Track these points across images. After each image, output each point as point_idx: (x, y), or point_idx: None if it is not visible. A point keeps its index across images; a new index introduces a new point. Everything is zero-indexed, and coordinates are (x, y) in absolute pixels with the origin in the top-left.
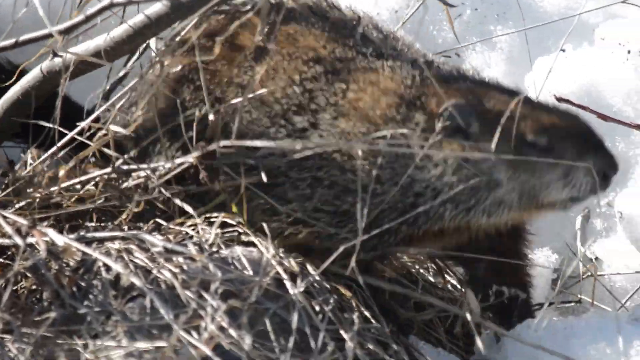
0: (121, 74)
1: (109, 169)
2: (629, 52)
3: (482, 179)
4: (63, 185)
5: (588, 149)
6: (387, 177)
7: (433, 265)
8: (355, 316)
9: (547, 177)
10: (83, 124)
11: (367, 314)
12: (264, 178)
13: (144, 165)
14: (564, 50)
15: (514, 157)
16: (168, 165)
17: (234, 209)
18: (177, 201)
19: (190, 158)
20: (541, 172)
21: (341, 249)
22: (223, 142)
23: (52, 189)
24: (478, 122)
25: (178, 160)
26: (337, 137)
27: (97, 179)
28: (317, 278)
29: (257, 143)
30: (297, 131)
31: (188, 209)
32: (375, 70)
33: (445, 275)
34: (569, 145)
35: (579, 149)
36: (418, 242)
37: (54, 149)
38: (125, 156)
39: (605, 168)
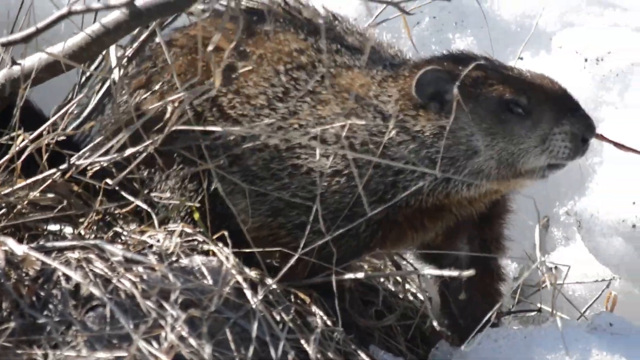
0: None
1: (64, 165)
2: (586, 60)
3: (460, 148)
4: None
5: (565, 112)
6: (364, 160)
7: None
8: (316, 322)
9: (525, 144)
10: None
11: (328, 321)
12: (225, 161)
13: (100, 158)
14: (521, 59)
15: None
16: (127, 152)
17: (197, 216)
18: (141, 204)
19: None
20: (519, 139)
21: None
22: (175, 127)
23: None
24: (455, 87)
25: (130, 150)
26: (316, 124)
27: (54, 178)
28: (275, 287)
29: (209, 128)
30: (280, 119)
31: (151, 213)
32: (351, 63)
33: (406, 285)
34: (547, 108)
35: (557, 112)
36: (398, 231)
37: (7, 156)
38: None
39: (583, 131)
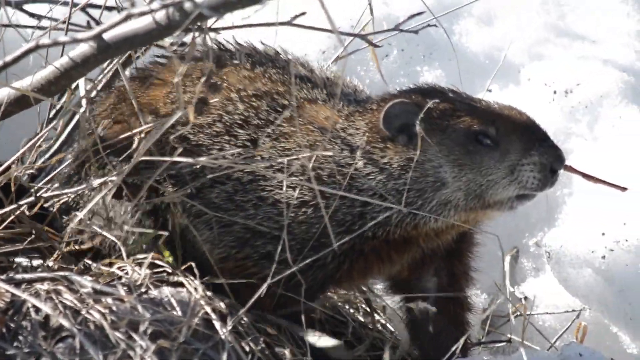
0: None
1: (30, 198)
2: (554, 92)
3: (427, 179)
4: None
5: (534, 142)
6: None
7: (363, 306)
8: (285, 353)
9: (493, 175)
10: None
11: (297, 352)
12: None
13: (67, 190)
14: (490, 91)
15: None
16: (95, 182)
17: (166, 254)
18: (109, 235)
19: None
20: (487, 170)
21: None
22: (142, 157)
23: None
24: (423, 120)
25: (98, 181)
26: (280, 157)
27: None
28: (246, 319)
29: (177, 158)
30: (241, 146)
31: (119, 245)
32: (313, 97)
33: (375, 315)
34: (515, 138)
35: (525, 142)
36: (364, 263)
37: None
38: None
39: (552, 161)
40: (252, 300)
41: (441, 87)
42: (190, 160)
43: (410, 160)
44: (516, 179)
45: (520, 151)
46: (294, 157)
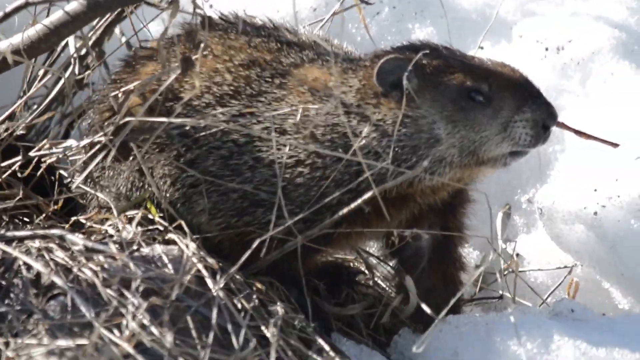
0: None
1: (19, 157)
2: (546, 49)
3: (421, 136)
4: None
5: (526, 99)
6: (327, 150)
7: (361, 264)
8: (277, 309)
9: (486, 132)
10: None
11: (289, 308)
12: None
13: (56, 150)
14: (482, 48)
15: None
16: (82, 143)
17: (153, 211)
18: (99, 194)
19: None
20: (480, 127)
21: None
22: (128, 118)
23: None
24: (416, 76)
25: (84, 141)
26: (273, 120)
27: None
28: (237, 275)
29: (160, 119)
30: (235, 116)
31: (111, 204)
32: (300, 61)
33: (374, 272)
34: (508, 95)
35: (518, 99)
36: (363, 220)
37: None
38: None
39: (544, 118)
40: (244, 257)
41: (434, 44)
42: (180, 120)
43: (405, 117)
44: (509, 136)
45: (512, 108)
46: (286, 112)
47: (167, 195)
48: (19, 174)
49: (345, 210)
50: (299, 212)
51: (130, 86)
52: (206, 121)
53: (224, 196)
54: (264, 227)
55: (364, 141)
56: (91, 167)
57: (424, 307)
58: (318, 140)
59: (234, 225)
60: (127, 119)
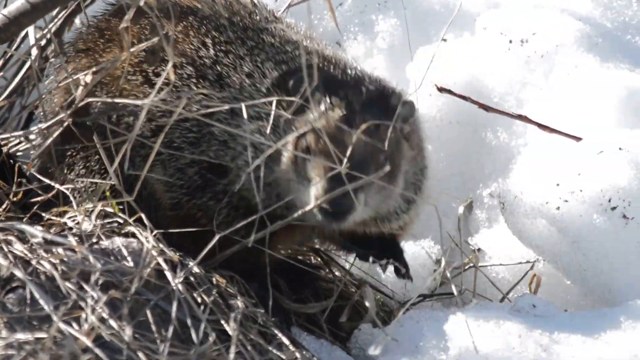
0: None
1: None
2: (510, 41)
3: None
4: None
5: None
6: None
7: (317, 257)
8: (238, 303)
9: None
10: None
11: (249, 302)
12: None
13: (17, 133)
14: (445, 40)
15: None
16: (43, 126)
17: (113, 204)
18: (57, 185)
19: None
20: None
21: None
22: (89, 99)
23: None
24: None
25: (46, 124)
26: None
27: None
28: (197, 269)
29: (124, 101)
30: (214, 84)
31: (69, 195)
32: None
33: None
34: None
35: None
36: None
37: None
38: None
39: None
40: (204, 252)
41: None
42: (137, 101)
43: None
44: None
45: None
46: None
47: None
48: None
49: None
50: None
51: (95, 68)
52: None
53: (180, 172)
54: (212, 209)
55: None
56: (46, 144)
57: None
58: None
59: (184, 204)
60: (89, 99)
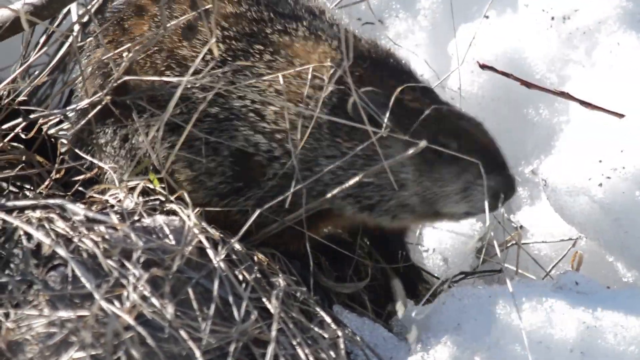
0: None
1: (20, 120)
2: (552, 18)
3: (388, 177)
4: None
5: (492, 167)
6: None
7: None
8: (279, 281)
9: (448, 188)
10: None
11: (291, 280)
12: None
13: (56, 110)
14: (487, 17)
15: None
16: (81, 105)
17: (154, 180)
18: (100, 163)
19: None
20: (443, 183)
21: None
22: (127, 77)
23: None
24: (391, 115)
25: (84, 102)
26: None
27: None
28: (238, 246)
29: (154, 78)
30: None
31: (109, 171)
32: (290, 33)
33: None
34: (476, 158)
35: (484, 165)
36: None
37: None
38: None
39: (504, 190)
40: (245, 228)
41: (416, 80)
42: (175, 79)
43: (375, 152)
44: (467, 198)
45: (476, 173)
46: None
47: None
48: (22, 136)
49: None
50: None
51: (127, 46)
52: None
53: (207, 175)
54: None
55: (329, 165)
56: (83, 122)
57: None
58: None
59: (216, 204)
60: (126, 77)
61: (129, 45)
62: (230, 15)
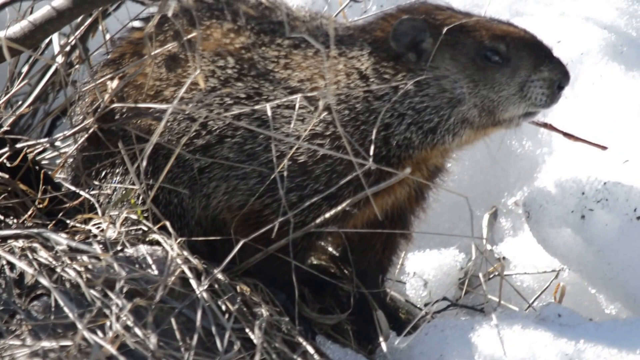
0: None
1: (6, 149)
2: None
3: (444, 95)
4: None
5: (543, 59)
6: (347, 118)
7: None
8: (262, 311)
9: (504, 91)
10: None
11: (274, 310)
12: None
13: (43, 140)
14: None
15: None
16: (69, 132)
17: (138, 212)
18: (83, 193)
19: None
20: (500, 86)
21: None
22: (115, 105)
23: None
24: (431, 36)
25: (72, 130)
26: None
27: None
28: (221, 276)
29: (149, 105)
30: (244, 97)
31: (94, 201)
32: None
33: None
34: (525, 55)
35: (535, 58)
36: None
37: None
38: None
39: (560, 78)
40: (229, 258)
41: (438, 4)
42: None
43: (426, 77)
44: (526, 96)
45: (530, 67)
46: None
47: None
48: (7, 165)
49: (379, 186)
50: (324, 190)
51: (117, 73)
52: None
53: (242, 180)
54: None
55: (385, 105)
56: (72, 149)
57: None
58: (335, 110)
59: (251, 204)
60: (114, 104)
61: (113, 74)
62: (230, 30)
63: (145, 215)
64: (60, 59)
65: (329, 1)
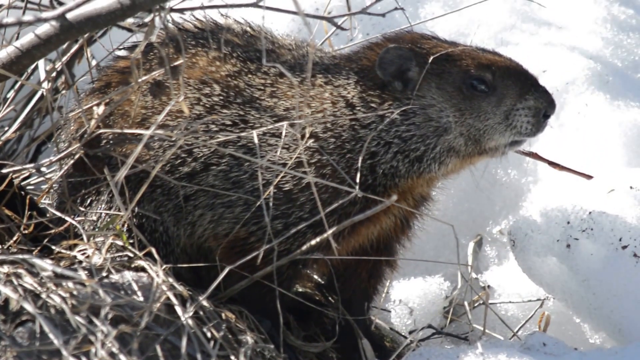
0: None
1: None
2: None
3: (430, 124)
4: None
5: (529, 87)
6: (331, 147)
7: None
8: (247, 339)
9: (491, 120)
10: None
11: (259, 338)
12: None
13: (29, 165)
14: None
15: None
16: (55, 158)
17: (124, 237)
18: (68, 219)
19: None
20: (486, 115)
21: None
22: (101, 130)
23: None
24: (418, 65)
25: (59, 155)
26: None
27: None
28: (206, 303)
29: (134, 131)
30: (230, 124)
31: (79, 227)
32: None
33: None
34: (511, 83)
35: (521, 87)
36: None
37: None
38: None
39: (546, 106)
40: (214, 285)
41: (423, 33)
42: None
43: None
44: (511, 124)
45: (515, 96)
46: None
47: (143, 211)
48: None
49: (365, 214)
50: (309, 218)
51: (105, 99)
52: (180, 135)
53: (228, 208)
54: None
55: (371, 133)
56: (59, 175)
57: None
58: (320, 138)
59: (236, 232)
60: (100, 130)
61: (99, 100)
62: (216, 58)
63: (131, 242)
64: (46, 85)
65: (315, 29)
